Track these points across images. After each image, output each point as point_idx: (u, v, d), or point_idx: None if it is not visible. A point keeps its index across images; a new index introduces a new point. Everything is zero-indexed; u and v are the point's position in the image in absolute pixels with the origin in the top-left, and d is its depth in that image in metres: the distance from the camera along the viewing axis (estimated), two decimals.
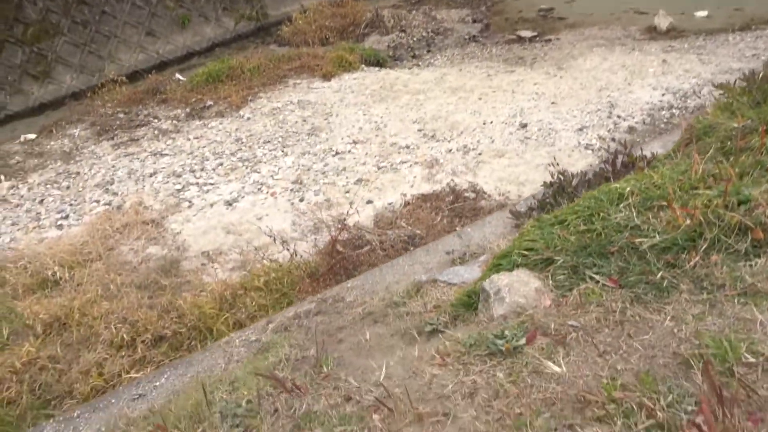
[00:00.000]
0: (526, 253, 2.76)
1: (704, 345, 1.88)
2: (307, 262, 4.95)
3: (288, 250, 5.02)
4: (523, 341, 2.21)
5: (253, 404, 2.49)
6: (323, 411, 2.28)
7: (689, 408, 1.64)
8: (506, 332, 2.28)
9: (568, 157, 5.83)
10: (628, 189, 2.82)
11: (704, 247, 2.37)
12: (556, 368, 2.04)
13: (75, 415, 3.30)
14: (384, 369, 2.48)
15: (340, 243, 5.09)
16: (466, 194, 5.69)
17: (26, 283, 5.05)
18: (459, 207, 5.53)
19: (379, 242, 5.15)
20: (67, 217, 5.93)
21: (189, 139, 7.00)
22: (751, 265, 2.24)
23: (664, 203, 2.65)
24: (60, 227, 5.81)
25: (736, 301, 2.10)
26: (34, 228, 5.86)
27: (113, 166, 6.62)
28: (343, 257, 4.93)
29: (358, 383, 2.43)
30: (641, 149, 3.84)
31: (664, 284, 2.29)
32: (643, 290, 2.30)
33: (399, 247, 5.01)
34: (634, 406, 1.70)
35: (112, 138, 7.12)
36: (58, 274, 5.10)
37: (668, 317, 2.14)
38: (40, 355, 4.36)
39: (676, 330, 2.06)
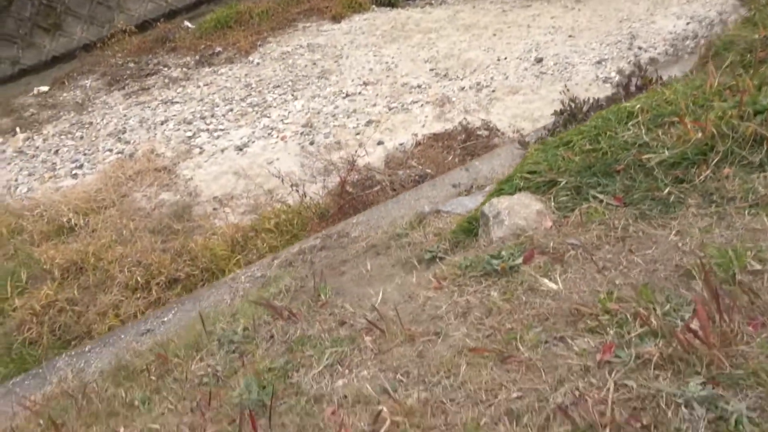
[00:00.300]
0: (528, 176, 2.65)
1: (708, 255, 1.77)
2: (317, 203, 4.90)
3: (298, 192, 4.97)
4: (519, 261, 2.13)
5: (249, 331, 2.48)
6: (317, 335, 2.25)
7: (686, 315, 1.55)
8: (503, 252, 2.21)
9: (585, 91, 5.59)
10: (638, 107, 2.67)
11: (716, 160, 2.23)
12: (552, 285, 1.96)
13: (87, 349, 3.36)
14: (380, 295, 2.43)
15: (350, 184, 5.03)
16: (479, 132, 5.53)
17: (43, 230, 5.11)
18: (471, 145, 5.39)
19: (389, 182, 5.07)
20: (81, 166, 5.96)
21: (199, 87, 6.92)
22: (765, 176, 2.10)
23: (676, 119, 2.50)
24: (75, 176, 5.84)
25: (746, 212, 1.98)
26: (50, 178, 5.91)
27: (125, 116, 6.60)
28: (353, 198, 4.87)
29: (354, 309, 2.39)
30: (657, 71, 3.64)
31: (671, 200, 2.18)
32: (648, 207, 2.19)
33: (409, 187, 4.92)
34: (628, 317, 1.62)
35: (123, 88, 7.08)
36: (73, 220, 5.14)
37: (673, 232, 2.03)
38: (59, 298, 4.43)
39: (680, 244, 1.96)
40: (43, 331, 4.28)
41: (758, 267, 1.67)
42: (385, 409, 1.55)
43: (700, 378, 1.32)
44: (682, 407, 1.28)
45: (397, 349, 1.96)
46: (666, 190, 2.21)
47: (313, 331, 2.30)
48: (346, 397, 1.77)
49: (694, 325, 1.44)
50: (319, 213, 4.82)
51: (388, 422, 1.51)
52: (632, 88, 3.37)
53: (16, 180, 5.87)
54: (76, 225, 5.15)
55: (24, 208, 5.41)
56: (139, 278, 4.52)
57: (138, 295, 4.50)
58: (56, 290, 4.51)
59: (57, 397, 2.67)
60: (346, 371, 1.94)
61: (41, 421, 2.36)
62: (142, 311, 4.37)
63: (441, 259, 2.60)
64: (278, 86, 6.68)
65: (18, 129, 6.68)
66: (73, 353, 3.37)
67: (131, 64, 7.51)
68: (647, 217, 2.15)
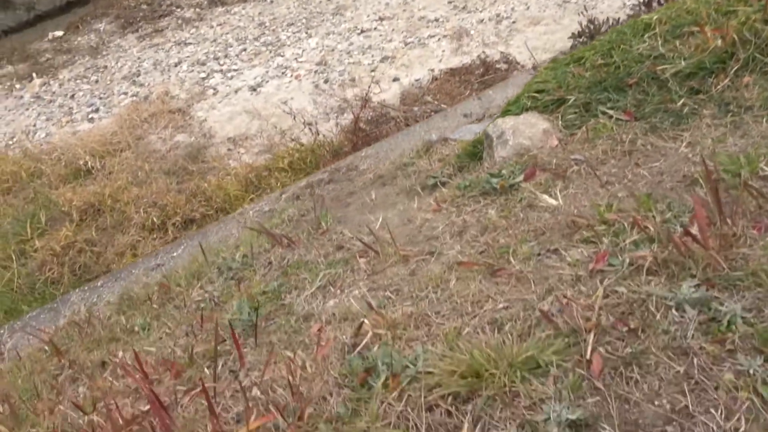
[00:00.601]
0: (536, 95, 2.51)
1: (718, 162, 1.65)
2: (330, 141, 4.82)
3: (311, 130, 4.89)
4: (520, 178, 2.03)
5: (248, 259, 2.46)
6: (313, 260, 2.21)
7: (687, 222, 1.45)
8: (503, 171, 2.11)
9: None
10: (656, 18, 2.48)
11: (735, 68, 2.07)
12: (552, 201, 1.86)
13: (99, 284, 3.40)
14: (380, 220, 2.37)
15: (364, 121, 4.92)
16: (498, 66, 5.32)
17: (61, 173, 5.16)
18: (490, 79, 5.19)
19: (403, 118, 4.94)
20: (97, 110, 5.96)
21: (212, 27, 6.80)
22: None
23: (695, 29, 2.32)
24: (91, 120, 5.85)
25: (764, 120, 1.83)
26: (67, 122, 5.93)
27: (139, 58, 6.54)
28: (366, 134, 4.77)
29: (353, 234, 2.34)
30: None
31: (685, 111, 2.03)
32: (659, 119, 2.05)
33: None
34: (625, 225, 1.52)
35: (137, 30, 7.00)
36: (90, 163, 5.17)
37: (684, 143, 1.90)
38: (77, 239, 4.49)
39: (690, 155, 1.83)
40: (63, 271, 4.36)
41: None
42: (366, 321, 1.50)
43: (694, 281, 1.23)
44: (673, 309, 1.20)
45: (390, 269, 1.90)
46: (680, 102, 2.07)
47: (310, 257, 2.26)
48: (334, 315, 1.73)
49: (694, 229, 1.33)
50: (332, 151, 4.75)
51: (369, 334, 1.46)
52: (654, 5, 3.15)
53: (35, 125, 5.91)
54: (92, 168, 5.18)
55: (42, 152, 5.45)
56: (155, 219, 4.55)
57: (155, 236, 4.53)
58: (75, 231, 4.56)
59: (65, 327, 2.71)
60: (338, 292, 1.90)
61: (46, 348, 2.40)
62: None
63: (444, 183, 2.51)
64: (292, 24, 6.52)
65: (34, 74, 6.69)
66: (86, 288, 3.42)
67: (144, 6, 7.40)
68: (658, 129, 2.01)
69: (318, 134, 4.82)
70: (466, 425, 1.08)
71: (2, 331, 3.19)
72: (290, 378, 1.35)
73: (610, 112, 2.21)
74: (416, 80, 5.36)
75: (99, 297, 3.28)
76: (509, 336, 1.26)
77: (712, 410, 1.00)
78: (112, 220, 4.68)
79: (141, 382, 1.50)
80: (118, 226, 4.67)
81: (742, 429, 0.96)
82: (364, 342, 1.44)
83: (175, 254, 3.42)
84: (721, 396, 1.02)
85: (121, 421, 1.38)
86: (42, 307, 3.44)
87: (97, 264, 4.48)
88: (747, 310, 1.14)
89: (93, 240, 4.58)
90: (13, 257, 4.41)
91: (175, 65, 6.29)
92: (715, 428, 0.97)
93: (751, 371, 1.03)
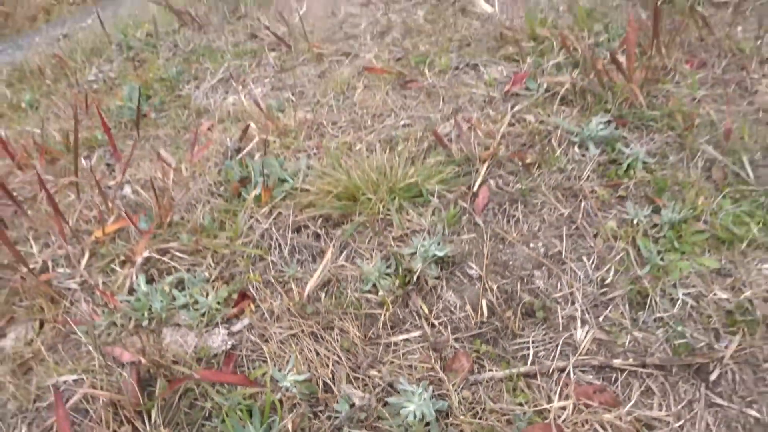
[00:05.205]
0: None
1: None
2: None
3: None
4: None
5: (152, 38, 2.18)
6: (222, 47, 1.97)
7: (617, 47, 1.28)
8: None
9: None
10: None
11: None
12: (487, 7, 1.64)
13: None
14: (303, 9, 2.09)
15: None
16: None
17: None
18: None
19: None
20: None
21: None
22: None
23: None
24: None
25: None
26: None
27: None
28: None
29: (270, 22, 2.07)
30: None
31: None
32: None
33: None
34: (554, 44, 1.35)
35: None
36: None
37: None
38: None
39: None
40: None
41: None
42: (252, 125, 1.35)
43: (606, 116, 1.10)
44: (576, 147, 1.09)
45: (301, 68, 1.70)
46: None
47: (219, 43, 2.01)
48: (230, 113, 1.57)
49: (621, 57, 1.18)
50: None
51: (255, 139, 1.32)
52: None
53: None
54: None
55: None
56: None
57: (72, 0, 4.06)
58: None
59: None
60: (240, 87, 1.70)
61: None
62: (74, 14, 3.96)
63: None
64: None
65: None
66: None
67: None
68: None
69: None
70: (330, 251, 1.00)
71: None
72: (161, 180, 1.23)
73: None
74: None
75: None
76: (399, 158, 1.14)
77: (585, 258, 0.94)
78: None
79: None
80: None
81: (609, 280, 0.91)
82: (248, 148, 1.31)
83: (84, 24, 3.05)
84: (598, 244, 0.96)
85: None
86: None
87: (6, 27, 4.03)
88: (651, 155, 1.05)
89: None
90: None
91: None
92: (582, 277, 0.92)
93: (635, 221, 0.96)
